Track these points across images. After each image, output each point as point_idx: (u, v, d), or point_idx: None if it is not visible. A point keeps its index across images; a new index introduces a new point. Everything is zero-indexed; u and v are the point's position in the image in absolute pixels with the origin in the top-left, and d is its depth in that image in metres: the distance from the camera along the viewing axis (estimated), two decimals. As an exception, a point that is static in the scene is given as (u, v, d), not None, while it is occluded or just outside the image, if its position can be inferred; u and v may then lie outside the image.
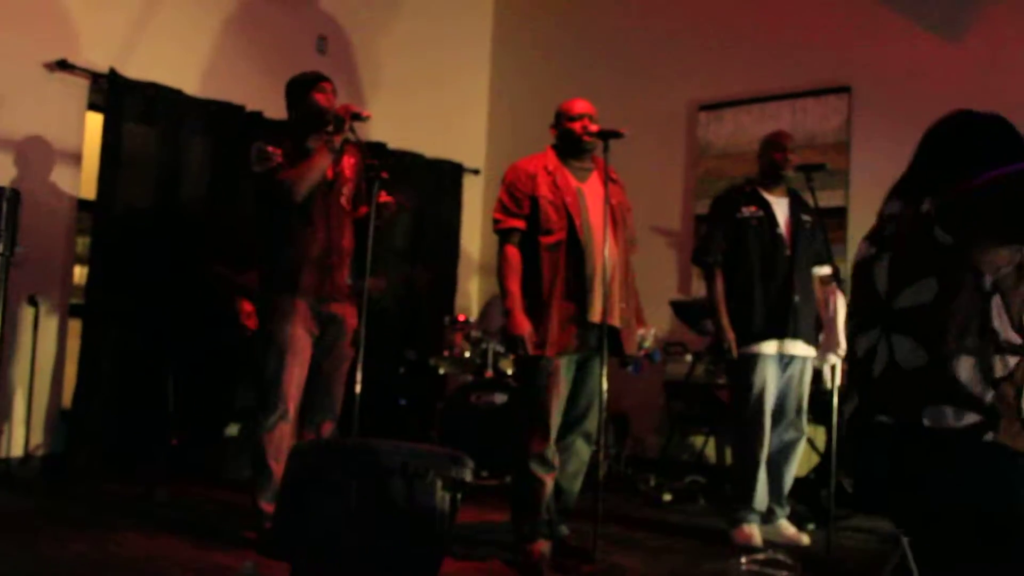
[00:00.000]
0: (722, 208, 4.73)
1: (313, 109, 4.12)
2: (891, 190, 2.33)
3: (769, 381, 4.55)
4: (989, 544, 2.06)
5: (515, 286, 4.03)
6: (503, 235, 4.10)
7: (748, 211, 4.62)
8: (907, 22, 6.20)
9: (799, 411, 4.68)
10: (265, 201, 4.16)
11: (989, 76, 5.87)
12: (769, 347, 4.53)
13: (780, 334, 4.53)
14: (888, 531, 4.62)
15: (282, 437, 4.01)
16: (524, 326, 3.96)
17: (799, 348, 4.59)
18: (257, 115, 6.26)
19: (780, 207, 4.68)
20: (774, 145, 4.72)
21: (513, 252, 4.07)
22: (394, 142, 7.13)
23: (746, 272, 4.59)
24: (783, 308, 4.54)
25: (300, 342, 4.06)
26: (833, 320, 4.52)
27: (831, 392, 4.46)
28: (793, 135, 4.94)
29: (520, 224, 4.07)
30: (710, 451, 6.53)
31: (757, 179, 4.77)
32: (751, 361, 4.53)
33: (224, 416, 5.68)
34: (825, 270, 4.69)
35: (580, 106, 4.16)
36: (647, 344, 4.28)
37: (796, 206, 4.72)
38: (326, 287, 4.11)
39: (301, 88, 4.18)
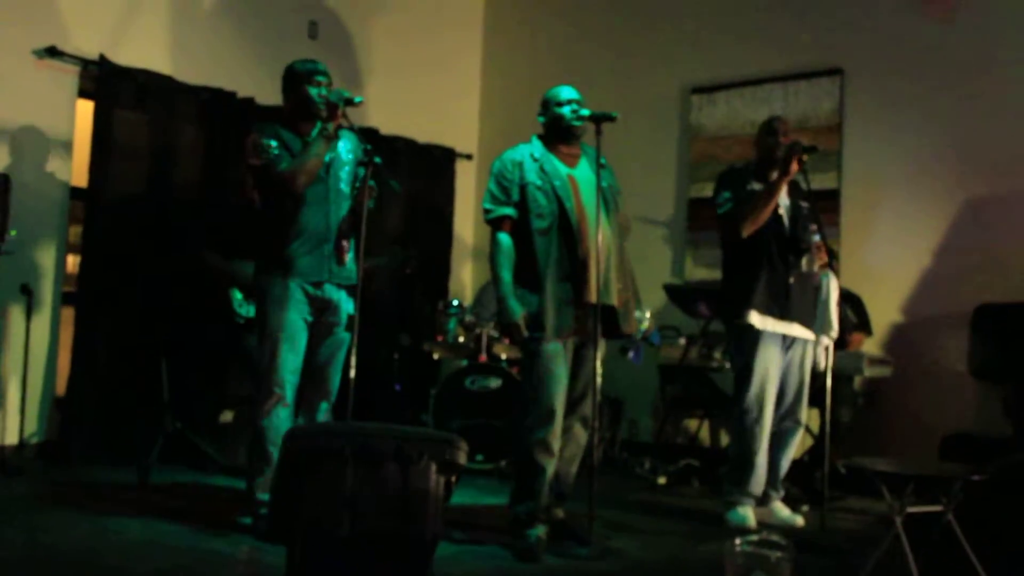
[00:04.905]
0: (734, 178, 4.70)
1: (305, 101, 4.12)
2: None
3: (772, 364, 4.55)
4: None
5: (507, 274, 4.05)
6: (494, 224, 4.12)
7: (757, 185, 4.61)
8: (899, 3, 6.19)
9: (798, 398, 4.68)
10: (265, 192, 4.15)
11: (981, 57, 5.87)
12: (769, 323, 4.54)
13: (778, 314, 4.55)
14: (881, 513, 4.64)
15: (279, 423, 4.02)
16: (517, 312, 3.98)
17: (796, 330, 4.60)
18: (249, 101, 6.24)
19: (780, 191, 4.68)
20: (769, 129, 4.72)
21: (504, 241, 4.08)
22: (386, 127, 7.11)
23: (753, 246, 4.58)
24: (780, 288, 4.56)
25: (295, 327, 4.06)
26: (826, 303, 4.52)
27: (824, 374, 4.46)
28: (787, 118, 4.93)
29: (510, 212, 4.08)
30: (704, 434, 6.56)
31: (756, 164, 4.77)
32: (755, 342, 4.53)
33: (218, 403, 5.68)
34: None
35: (567, 92, 4.18)
36: (644, 326, 4.27)
37: (794, 191, 4.73)
38: (322, 272, 4.11)
39: (297, 79, 4.17)
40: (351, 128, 4.16)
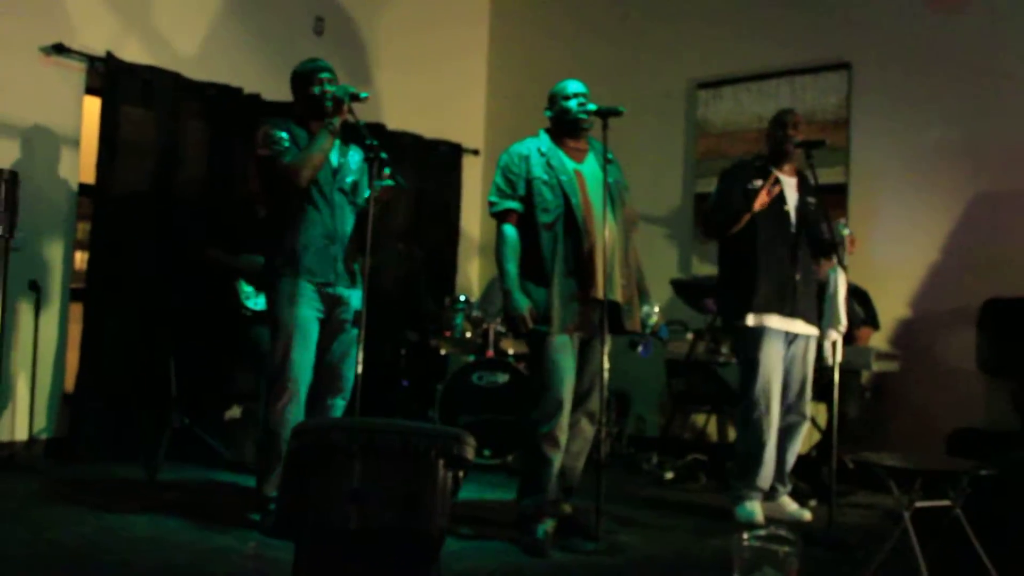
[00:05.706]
0: (734, 176, 4.71)
1: (312, 100, 4.13)
2: None
3: (775, 359, 4.55)
4: None
5: (512, 266, 4.05)
6: (499, 217, 4.12)
7: (759, 183, 4.60)
8: (907, -3, 6.17)
9: (802, 392, 4.68)
10: (270, 185, 4.16)
11: (989, 51, 5.85)
12: (773, 320, 4.53)
13: (781, 310, 4.54)
14: (889, 508, 4.63)
15: (291, 420, 4.01)
16: (522, 305, 3.98)
17: (798, 326, 4.60)
18: (255, 97, 6.24)
19: (789, 186, 4.68)
20: (778, 122, 4.72)
21: (510, 233, 4.09)
22: (393, 123, 7.11)
23: (753, 244, 4.58)
24: (785, 285, 4.55)
25: (307, 324, 4.06)
26: (834, 297, 4.51)
27: (831, 369, 4.46)
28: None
29: (516, 206, 4.08)
30: (711, 429, 6.55)
31: (766, 156, 4.76)
32: (758, 338, 4.53)
33: (226, 398, 5.69)
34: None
35: (574, 86, 4.19)
36: (653, 321, 4.28)
37: (803, 187, 4.73)
38: (328, 273, 4.12)
39: (302, 81, 4.19)
40: (356, 123, 4.16)
